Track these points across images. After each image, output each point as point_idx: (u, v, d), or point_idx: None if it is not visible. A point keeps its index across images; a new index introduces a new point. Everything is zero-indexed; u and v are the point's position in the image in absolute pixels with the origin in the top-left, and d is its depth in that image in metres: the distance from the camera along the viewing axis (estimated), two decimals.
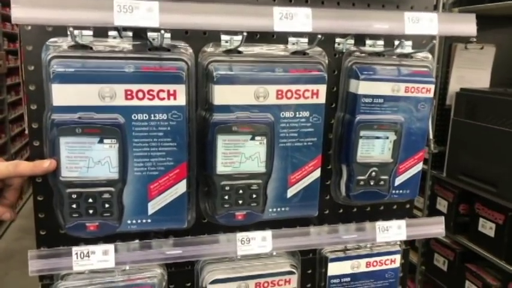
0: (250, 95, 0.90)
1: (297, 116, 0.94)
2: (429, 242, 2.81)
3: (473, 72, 2.77)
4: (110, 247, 0.85)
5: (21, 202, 5.57)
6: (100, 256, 0.84)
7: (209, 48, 0.92)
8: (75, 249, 0.83)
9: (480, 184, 2.34)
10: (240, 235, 0.93)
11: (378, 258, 1.09)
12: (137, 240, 0.90)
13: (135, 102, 0.84)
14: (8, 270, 4.15)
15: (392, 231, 1.00)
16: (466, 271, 2.49)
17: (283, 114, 0.93)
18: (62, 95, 0.81)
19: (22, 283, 3.94)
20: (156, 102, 0.85)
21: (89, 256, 0.84)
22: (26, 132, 1.08)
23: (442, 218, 1.05)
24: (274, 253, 0.99)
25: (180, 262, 0.98)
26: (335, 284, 1.07)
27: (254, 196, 0.94)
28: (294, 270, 1.00)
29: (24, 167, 0.80)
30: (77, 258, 0.83)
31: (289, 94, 0.92)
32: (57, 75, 0.80)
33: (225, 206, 0.94)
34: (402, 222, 1.01)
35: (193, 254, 0.89)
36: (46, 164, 0.81)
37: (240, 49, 0.93)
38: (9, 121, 5.15)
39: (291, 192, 0.98)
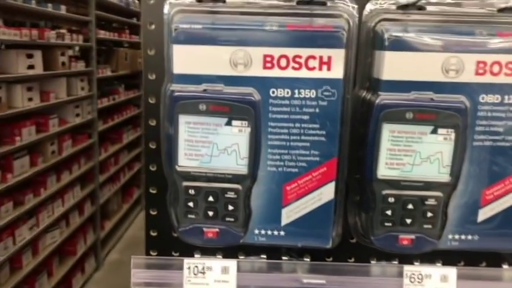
0: (436, 67, 0.62)
1: (505, 101, 0.64)
2: None
3: None
4: (232, 263, 0.64)
5: None
6: (218, 274, 0.64)
7: (378, 4, 0.67)
8: (187, 261, 0.64)
9: None
10: (409, 269, 0.66)
11: None
12: (264, 258, 0.69)
13: (275, 72, 0.63)
14: None
15: None
16: None
17: (483, 98, 0.64)
18: (185, 59, 0.63)
19: None
20: (304, 73, 0.62)
21: (204, 272, 0.64)
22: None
23: None
24: None
25: None
26: None
27: (429, 215, 0.66)
28: None
29: None
30: (189, 273, 0.64)
31: (496, 68, 0.62)
32: (180, 33, 0.62)
33: (386, 224, 0.67)
34: None
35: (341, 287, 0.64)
36: None
37: (421, 4, 0.66)
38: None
39: (484, 214, 0.68)
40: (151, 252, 0.73)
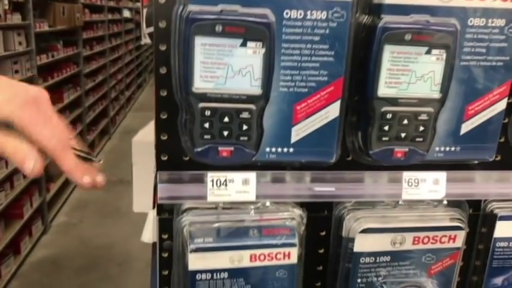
0: None
1: (489, 25, 0.72)
2: None
3: None
4: (251, 175, 0.69)
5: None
6: (239, 186, 0.68)
7: None
8: (210, 175, 0.68)
9: None
10: (407, 174, 0.74)
11: None
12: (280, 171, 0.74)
13: None
14: (83, 218, 4.28)
15: None
16: None
17: (471, 22, 0.71)
18: None
19: (96, 231, 4.05)
20: None
21: (226, 185, 0.68)
22: (143, 41, 0.94)
23: None
24: (445, 201, 0.79)
25: (314, 206, 0.81)
26: (501, 248, 0.86)
27: (421, 129, 0.74)
28: (461, 226, 0.80)
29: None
30: (213, 186, 0.68)
31: None
32: None
33: (383, 139, 0.75)
34: None
35: (351, 192, 0.71)
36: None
37: None
38: (83, 75, 5.23)
39: (466, 128, 0.77)
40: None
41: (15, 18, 3.23)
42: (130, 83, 8.42)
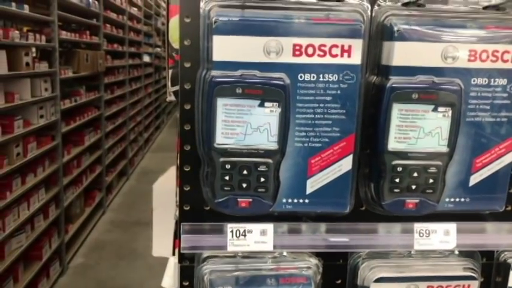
0: (436, 55, 0.74)
1: (492, 83, 0.76)
2: None
3: None
4: (269, 226, 0.73)
5: (111, 196, 5.81)
6: (257, 236, 0.72)
7: (386, 1, 0.77)
8: (230, 226, 0.72)
9: None
10: (418, 226, 0.77)
11: None
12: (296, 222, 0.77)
13: (303, 59, 0.72)
14: (99, 260, 4.29)
15: None
16: None
17: (474, 81, 0.76)
18: (224, 48, 0.71)
19: (112, 273, 4.05)
20: (327, 59, 0.72)
21: (245, 235, 0.72)
22: (168, 99, 1.01)
23: None
24: (457, 251, 0.81)
25: (329, 255, 0.84)
26: None
27: (430, 181, 0.78)
28: (474, 275, 0.81)
29: None
30: (232, 237, 0.72)
31: (484, 56, 0.75)
32: (220, 25, 0.70)
33: (395, 191, 0.78)
34: None
35: (365, 243, 0.74)
36: None
37: (420, 2, 0.78)
38: (104, 118, 5.39)
39: (474, 180, 0.80)
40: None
41: (43, 66, 3.40)
42: (149, 125, 8.61)
